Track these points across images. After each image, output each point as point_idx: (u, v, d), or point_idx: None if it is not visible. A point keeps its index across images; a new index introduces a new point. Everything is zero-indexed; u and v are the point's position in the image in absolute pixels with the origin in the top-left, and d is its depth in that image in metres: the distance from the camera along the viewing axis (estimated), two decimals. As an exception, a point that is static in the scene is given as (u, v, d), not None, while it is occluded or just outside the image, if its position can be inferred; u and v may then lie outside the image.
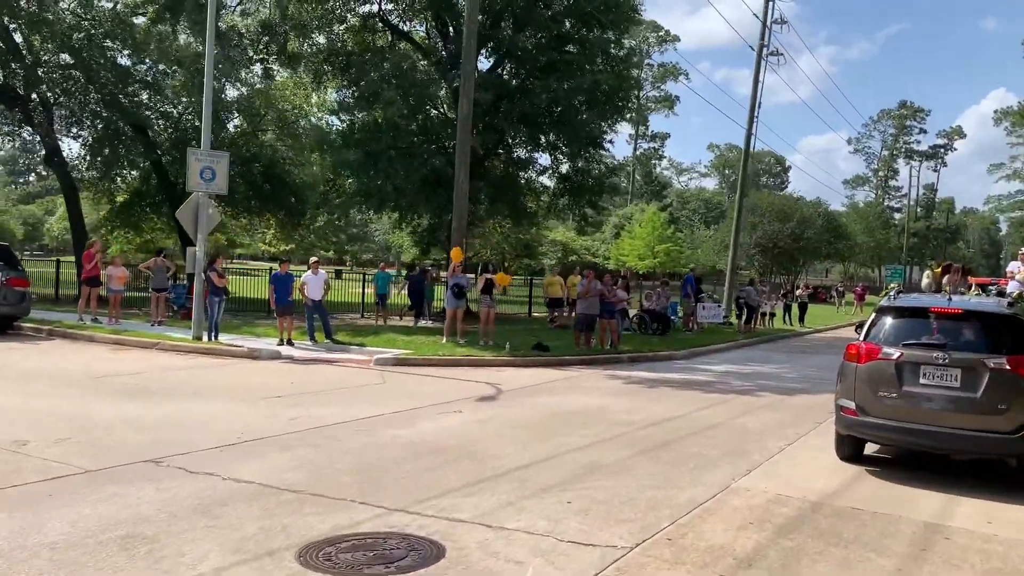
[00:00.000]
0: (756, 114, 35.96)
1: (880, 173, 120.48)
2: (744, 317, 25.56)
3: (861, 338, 8.10)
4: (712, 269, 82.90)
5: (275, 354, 14.98)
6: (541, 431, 9.34)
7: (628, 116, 28.32)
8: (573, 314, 18.96)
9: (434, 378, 13.58)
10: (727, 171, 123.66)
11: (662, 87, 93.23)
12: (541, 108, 22.70)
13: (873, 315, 8.39)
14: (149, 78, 28.53)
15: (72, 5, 25.21)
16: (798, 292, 31.99)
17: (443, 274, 16.81)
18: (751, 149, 36.18)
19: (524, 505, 6.34)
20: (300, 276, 17.09)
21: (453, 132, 23.04)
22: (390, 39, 26.14)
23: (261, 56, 28.48)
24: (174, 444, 7.73)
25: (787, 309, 31.71)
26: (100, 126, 29.54)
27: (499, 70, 25.41)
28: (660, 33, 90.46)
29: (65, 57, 26.21)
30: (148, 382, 11.55)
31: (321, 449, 7.95)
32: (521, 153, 26.76)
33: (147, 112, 29.46)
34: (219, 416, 9.34)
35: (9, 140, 28.27)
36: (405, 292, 21.84)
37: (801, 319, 31.56)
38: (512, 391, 12.44)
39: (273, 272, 16.96)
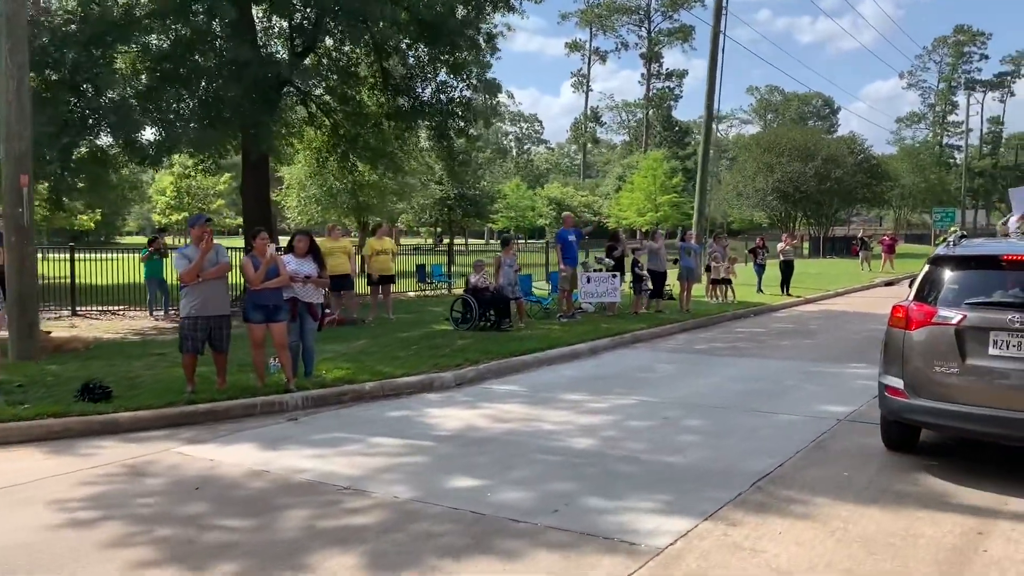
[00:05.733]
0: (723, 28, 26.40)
1: (937, 108, 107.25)
2: (645, 288, 16.45)
3: (911, 296, 6.46)
4: (749, 223, 72.64)
5: None
6: None
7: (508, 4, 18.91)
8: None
9: None
10: (769, 116, 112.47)
11: (675, 17, 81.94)
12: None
13: (926, 267, 6.61)
14: None
15: None
16: (780, 246, 22.47)
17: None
18: (719, 66, 26.49)
19: None
20: None
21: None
22: None
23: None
24: None
25: (760, 271, 22.32)
26: None
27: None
28: (671, -45, 79.31)
29: None
30: None
31: None
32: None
33: None
34: None
35: None
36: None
37: (784, 285, 22.16)
38: None
39: None
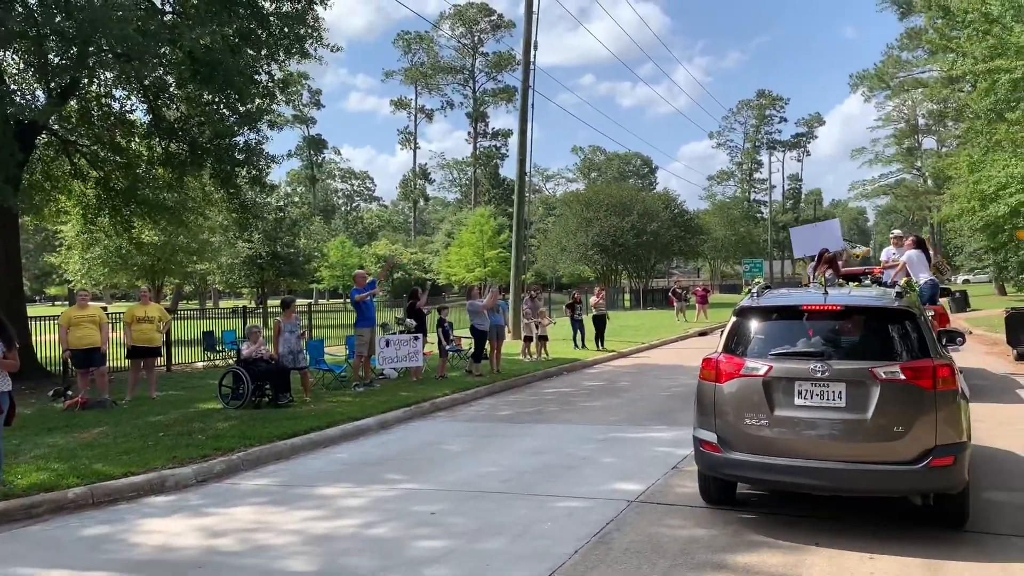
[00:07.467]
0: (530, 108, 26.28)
1: (744, 166, 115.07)
2: (453, 348, 15.33)
3: (719, 348, 6.37)
4: (578, 277, 73.63)
5: None
6: None
7: (305, 46, 17.57)
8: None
9: None
10: (593, 174, 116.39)
11: (499, 78, 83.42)
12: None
13: (732, 319, 6.55)
14: None
15: None
16: (593, 300, 22.15)
17: None
18: (530, 121, 26.28)
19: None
20: None
21: None
22: None
23: None
24: None
25: (576, 326, 21.77)
26: None
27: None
28: (492, 18, 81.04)
29: None
30: None
31: None
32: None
33: None
34: None
35: None
36: None
37: (599, 339, 21.67)
38: None
39: None
